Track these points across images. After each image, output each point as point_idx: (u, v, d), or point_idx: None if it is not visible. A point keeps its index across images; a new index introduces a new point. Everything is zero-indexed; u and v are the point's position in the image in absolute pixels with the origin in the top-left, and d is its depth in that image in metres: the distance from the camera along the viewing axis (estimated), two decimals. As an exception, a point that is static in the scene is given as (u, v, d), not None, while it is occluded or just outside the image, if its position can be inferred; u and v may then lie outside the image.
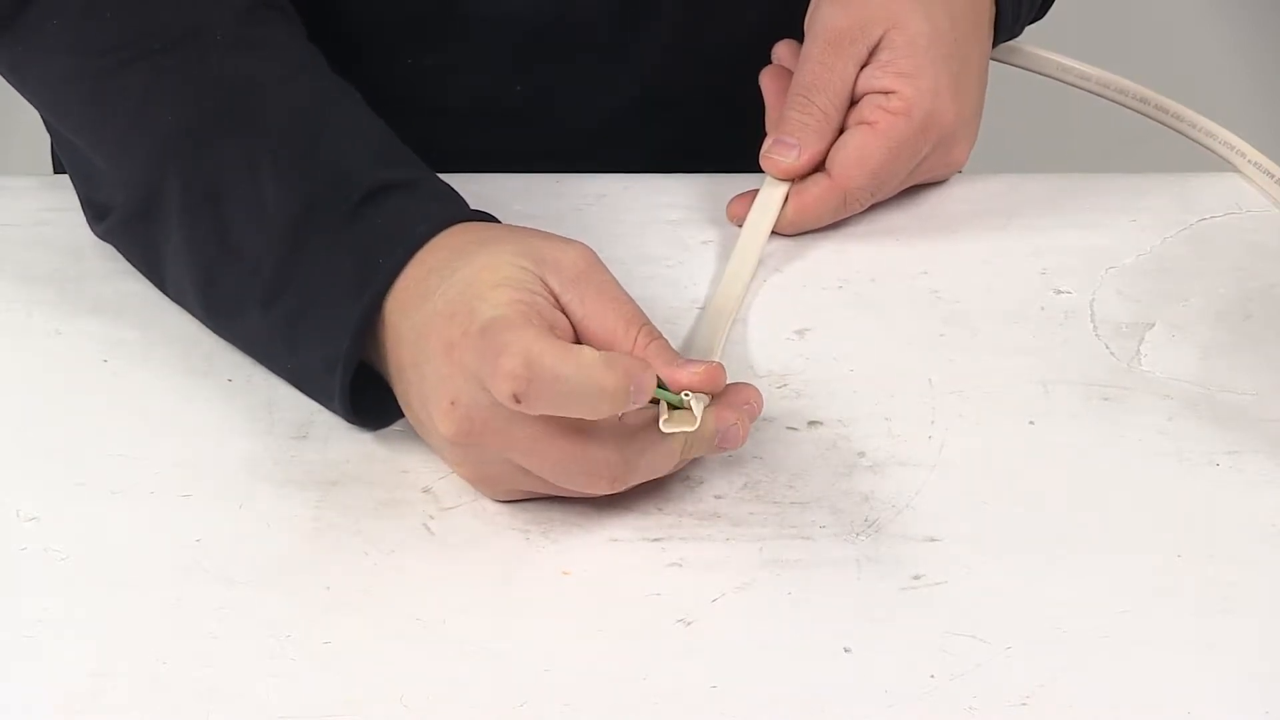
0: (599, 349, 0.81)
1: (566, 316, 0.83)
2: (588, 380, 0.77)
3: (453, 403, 0.80)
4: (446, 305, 0.82)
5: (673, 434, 0.80)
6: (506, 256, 0.83)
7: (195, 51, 0.91)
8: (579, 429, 0.80)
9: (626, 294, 0.84)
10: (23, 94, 0.97)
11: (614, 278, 0.84)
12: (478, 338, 0.79)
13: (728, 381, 0.83)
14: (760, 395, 0.84)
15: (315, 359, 0.86)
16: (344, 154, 0.89)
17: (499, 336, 0.78)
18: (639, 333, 0.82)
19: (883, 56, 0.99)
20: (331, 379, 0.86)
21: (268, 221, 0.87)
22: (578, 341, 0.83)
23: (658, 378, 0.80)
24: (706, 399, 0.81)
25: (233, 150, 0.89)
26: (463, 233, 0.85)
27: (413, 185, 0.89)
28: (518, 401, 0.77)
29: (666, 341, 0.83)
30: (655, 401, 0.80)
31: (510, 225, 0.87)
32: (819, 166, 0.99)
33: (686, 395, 0.81)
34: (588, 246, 0.84)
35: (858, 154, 0.98)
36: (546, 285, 0.82)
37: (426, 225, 0.85)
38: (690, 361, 0.82)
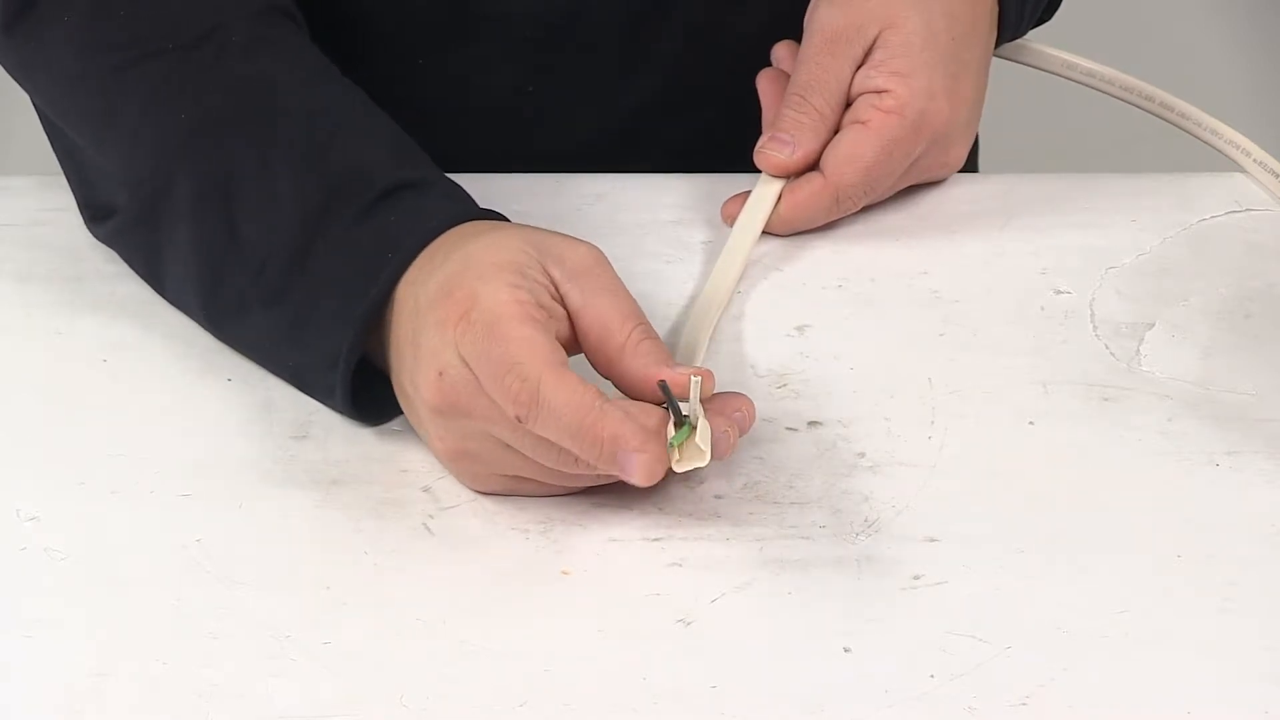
0: (593, 340, 0.83)
1: (565, 308, 0.83)
2: (583, 426, 0.79)
3: (440, 374, 0.82)
4: (447, 279, 0.83)
5: (649, 434, 0.80)
6: (513, 241, 0.84)
7: (208, 52, 0.92)
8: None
9: (629, 294, 0.84)
10: (29, 92, 0.97)
11: (619, 279, 0.85)
12: (484, 336, 0.80)
13: (719, 390, 0.84)
14: (752, 405, 0.84)
15: (319, 353, 0.86)
16: (359, 153, 0.90)
17: (509, 349, 0.80)
18: (634, 329, 0.83)
19: (877, 56, 0.99)
20: (333, 373, 0.86)
21: (279, 218, 0.88)
22: (573, 335, 0.83)
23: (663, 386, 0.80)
24: (708, 429, 0.81)
25: (246, 147, 0.89)
26: (472, 226, 0.86)
27: (426, 185, 0.89)
28: (520, 422, 0.80)
29: (660, 342, 0.83)
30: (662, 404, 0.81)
31: (522, 224, 0.88)
32: (813, 167, 0.99)
33: (692, 415, 0.81)
34: (597, 248, 0.85)
35: (850, 152, 0.98)
36: (548, 274, 0.83)
37: (435, 222, 0.86)
38: (679, 365, 0.82)
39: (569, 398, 0.79)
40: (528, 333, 0.80)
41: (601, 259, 0.85)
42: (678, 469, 0.80)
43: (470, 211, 0.88)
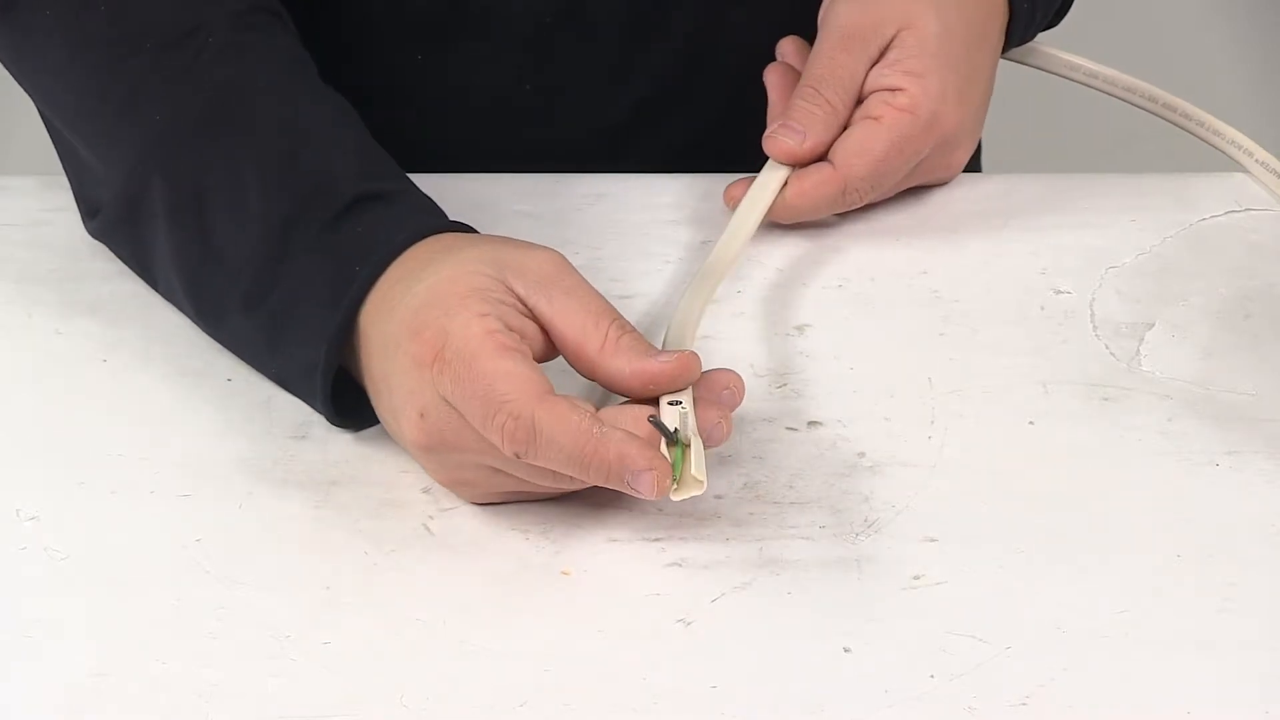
0: (572, 346, 0.82)
1: (536, 320, 0.83)
2: (585, 453, 0.79)
3: (421, 415, 0.81)
4: (413, 316, 0.82)
5: (654, 449, 0.80)
6: (471, 265, 0.83)
7: (187, 52, 0.92)
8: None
9: (596, 292, 0.84)
10: (21, 84, 0.98)
11: (583, 279, 0.84)
12: (464, 377, 0.80)
13: (706, 368, 0.83)
14: (739, 379, 0.84)
15: (296, 364, 0.87)
16: (328, 163, 0.89)
17: (494, 387, 0.79)
18: (610, 327, 0.82)
19: (893, 55, 0.99)
20: (313, 383, 0.86)
21: (251, 226, 0.88)
22: (549, 343, 0.83)
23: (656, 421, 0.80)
24: (703, 456, 0.81)
25: (218, 153, 0.89)
26: (436, 243, 0.86)
27: (394, 196, 0.89)
28: (518, 458, 0.79)
29: (639, 334, 0.83)
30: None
31: (484, 235, 0.87)
32: (821, 159, 0.99)
33: (683, 437, 0.80)
34: (556, 251, 0.84)
35: (860, 144, 0.98)
36: (512, 291, 0.82)
37: (403, 235, 0.86)
38: (662, 353, 0.82)
39: (565, 426, 0.78)
40: (507, 366, 0.79)
41: (562, 263, 0.84)
42: (674, 498, 0.80)
43: (436, 224, 0.87)
